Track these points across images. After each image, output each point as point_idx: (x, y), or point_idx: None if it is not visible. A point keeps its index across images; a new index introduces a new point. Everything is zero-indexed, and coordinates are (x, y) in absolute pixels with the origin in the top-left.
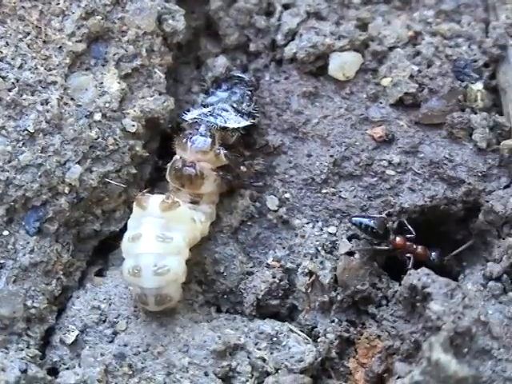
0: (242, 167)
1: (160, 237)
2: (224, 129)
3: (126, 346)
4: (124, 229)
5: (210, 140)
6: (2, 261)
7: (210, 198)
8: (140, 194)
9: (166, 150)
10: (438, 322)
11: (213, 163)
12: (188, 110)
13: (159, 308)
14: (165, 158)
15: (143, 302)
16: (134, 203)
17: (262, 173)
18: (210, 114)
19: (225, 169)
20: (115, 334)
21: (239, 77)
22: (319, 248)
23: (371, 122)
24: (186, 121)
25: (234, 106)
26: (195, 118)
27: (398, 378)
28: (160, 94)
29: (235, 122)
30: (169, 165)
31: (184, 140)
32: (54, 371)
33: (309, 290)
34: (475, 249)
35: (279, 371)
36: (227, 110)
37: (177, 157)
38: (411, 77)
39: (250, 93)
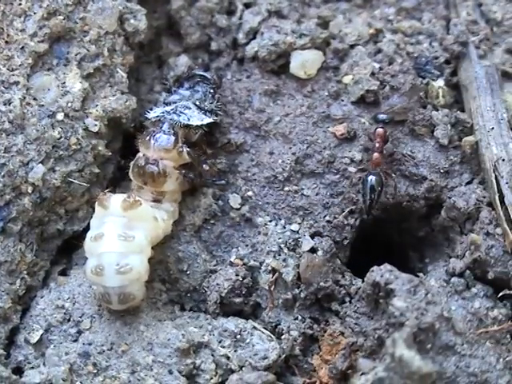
0: (204, 165)
1: (122, 236)
2: (187, 126)
3: (90, 344)
4: (87, 228)
5: (173, 138)
6: None
7: (173, 197)
8: (102, 194)
9: (129, 150)
10: (401, 318)
11: (176, 161)
12: (151, 109)
13: (123, 307)
14: (127, 157)
15: (106, 300)
16: (96, 203)
17: (224, 171)
18: (173, 112)
19: (187, 167)
20: (79, 332)
21: (201, 75)
22: (282, 245)
23: (333, 119)
24: (149, 119)
25: (197, 103)
26: (158, 116)
27: (362, 374)
28: (122, 93)
29: (198, 119)
30: (132, 163)
31: (147, 138)
32: (18, 370)
33: (272, 288)
34: (438, 245)
35: (243, 368)
36: (190, 108)
37: (140, 154)
38: (372, 74)
39: (212, 90)
